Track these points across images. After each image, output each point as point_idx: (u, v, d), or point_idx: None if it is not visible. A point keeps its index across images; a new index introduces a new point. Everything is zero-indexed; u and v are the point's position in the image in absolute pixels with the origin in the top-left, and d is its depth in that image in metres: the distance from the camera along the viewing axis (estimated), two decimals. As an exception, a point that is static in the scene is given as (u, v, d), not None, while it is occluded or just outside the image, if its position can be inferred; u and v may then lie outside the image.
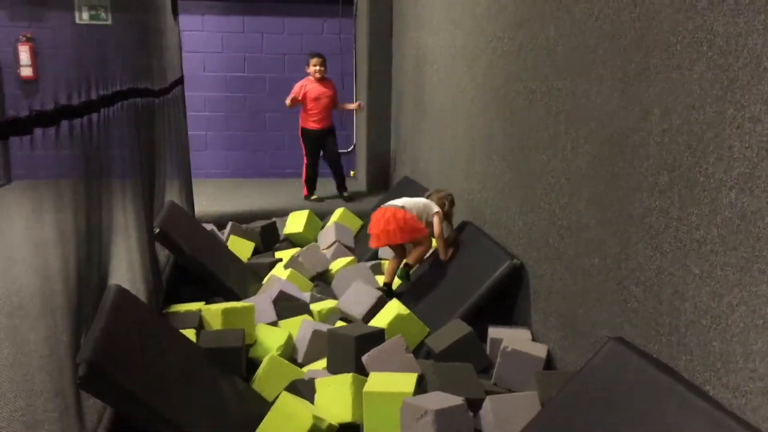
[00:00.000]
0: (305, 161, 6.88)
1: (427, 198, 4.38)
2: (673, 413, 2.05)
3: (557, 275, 3.19)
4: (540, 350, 3.16)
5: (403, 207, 4.17)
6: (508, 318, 3.73)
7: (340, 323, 3.82)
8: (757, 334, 1.88)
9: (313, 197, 6.84)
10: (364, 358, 3.11)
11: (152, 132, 4.14)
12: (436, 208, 4.23)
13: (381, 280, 4.51)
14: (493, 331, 3.47)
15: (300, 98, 6.65)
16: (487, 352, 3.41)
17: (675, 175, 2.26)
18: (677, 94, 2.25)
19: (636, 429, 2.13)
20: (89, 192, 2.61)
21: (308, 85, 6.71)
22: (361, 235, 5.75)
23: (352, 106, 7.12)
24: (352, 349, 3.15)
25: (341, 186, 6.98)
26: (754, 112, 1.90)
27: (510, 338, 3.26)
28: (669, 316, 2.30)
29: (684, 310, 2.21)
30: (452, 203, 4.39)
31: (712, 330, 2.07)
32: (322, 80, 6.74)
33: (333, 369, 3.22)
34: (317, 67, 6.66)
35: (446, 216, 4.34)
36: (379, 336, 3.26)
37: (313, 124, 6.74)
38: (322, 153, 6.88)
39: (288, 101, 6.59)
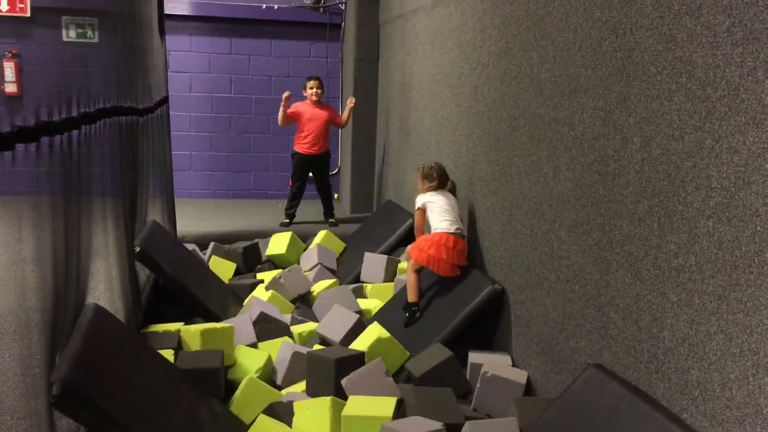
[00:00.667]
0: (290, 184, 6.78)
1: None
2: (651, 441, 2.05)
3: (538, 301, 3.20)
4: (520, 376, 3.16)
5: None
6: (489, 343, 3.73)
7: (318, 347, 3.79)
8: (733, 362, 1.89)
9: (286, 221, 6.62)
10: (344, 382, 3.09)
11: (135, 150, 4.13)
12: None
13: (363, 303, 4.50)
14: (474, 356, 3.47)
15: (292, 117, 6.50)
16: (467, 377, 3.40)
17: (654, 202, 2.29)
18: (657, 124, 2.28)
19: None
20: (68, 209, 2.59)
21: (303, 109, 6.57)
22: (344, 257, 5.75)
23: (349, 105, 6.73)
24: (331, 372, 3.13)
25: (329, 212, 6.80)
26: (731, 143, 1.93)
27: (490, 363, 3.25)
28: (648, 344, 2.31)
29: (662, 338, 2.22)
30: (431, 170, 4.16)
31: (690, 358, 2.08)
32: (318, 104, 6.60)
33: (312, 392, 3.19)
34: (314, 90, 6.53)
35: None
36: (358, 359, 3.25)
37: (305, 148, 6.56)
38: (313, 178, 6.72)
39: (279, 117, 6.47)
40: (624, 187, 2.47)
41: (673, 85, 2.20)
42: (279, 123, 6.57)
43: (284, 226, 6.46)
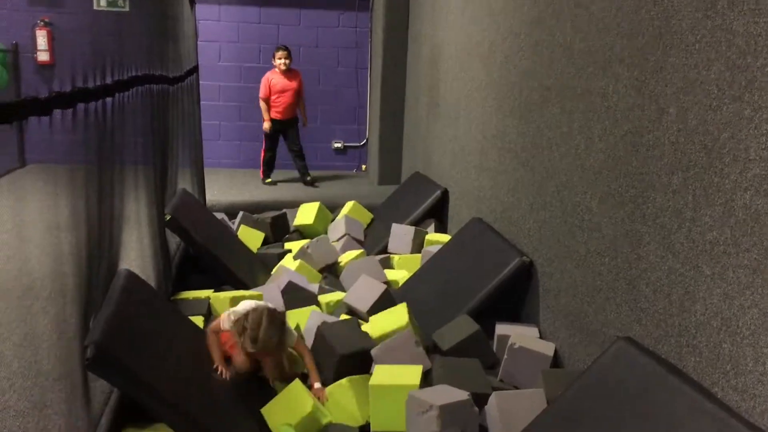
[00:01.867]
0: (264, 147, 7.33)
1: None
2: (681, 414, 2.04)
3: (567, 273, 3.18)
4: (547, 348, 3.15)
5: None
6: (516, 315, 3.73)
7: (344, 316, 3.81)
8: (767, 337, 1.86)
9: (268, 180, 7.30)
10: (373, 352, 3.11)
11: (166, 119, 4.15)
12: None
13: (391, 274, 4.51)
14: (501, 328, 3.47)
15: (267, 93, 7.09)
16: (494, 348, 3.40)
17: (689, 175, 2.25)
18: (694, 94, 2.23)
19: (642, 429, 2.12)
20: (102, 177, 2.62)
21: (273, 78, 7.10)
22: (371, 228, 5.75)
23: (305, 120, 7.47)
24: (333, 365, 3.08)
25: (304, 173, 7.38)
26: (771, 114, 1.88)
27: (517, 335, 3.25)
28: (679, 317, 2.28)
29: (694, 311, 2.20)
30: (245, 332, 2.88)
31: (722, 332, 2.06)
32: (287, 72, 7.10)
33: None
34: (283, 60, 7.02)
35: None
36: (365, 356, 3.13)
37: (276, 114, 7.15)
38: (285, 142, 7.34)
39: (261, 104, 7.15)
40: (658, 159, 2.43)
41: (712, 54, 2.14)
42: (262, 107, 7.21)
43: (272, 185, 7.24)
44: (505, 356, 3.14)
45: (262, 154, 7.36)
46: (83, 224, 2.35)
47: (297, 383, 2.84)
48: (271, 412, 2.75)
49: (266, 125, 7.13)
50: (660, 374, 2.21)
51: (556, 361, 3.17)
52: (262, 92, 7.12)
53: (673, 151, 2.34)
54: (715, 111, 2.12)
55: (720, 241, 2.08)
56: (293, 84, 7.13)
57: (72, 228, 2.27)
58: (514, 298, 3.72)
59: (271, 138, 7.27)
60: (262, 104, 7.13)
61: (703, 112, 2.18)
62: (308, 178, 7.36)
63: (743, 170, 1.99)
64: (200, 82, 6.35)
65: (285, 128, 7.26)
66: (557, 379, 2.80)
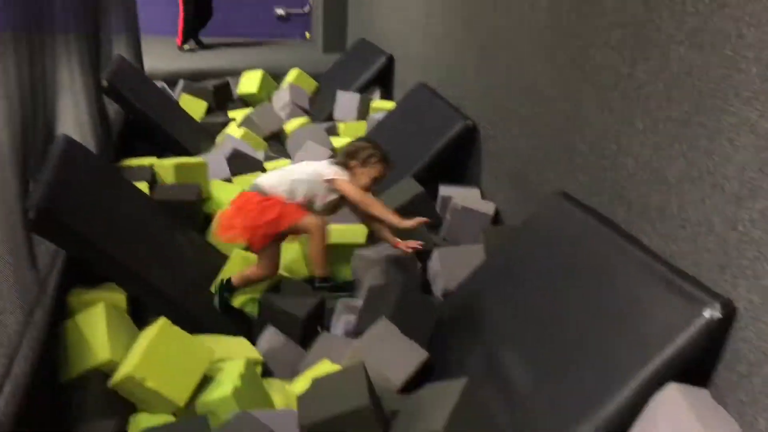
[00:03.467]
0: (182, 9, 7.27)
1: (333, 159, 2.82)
2: (611, 262, 2.16)
3: (509, 135, 3.24)
4: (488, 207, 3.26)
5: (258, 188, 2.68)
6: (460, 178, 3.81)
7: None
8: (692, 185, 1.96)
9: (186, 47, 7.40)
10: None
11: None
12: (327, 171, 2.67)
13: (336, 141, 4.51)
14: (444, 190, 3.55)
15: None
16: (438, 210, 3.50)
17: (628, 31, 2.27)
18: (637, -53, 2.21)
19: (574, 276, 2.25)
20: (31, 42, 2.52)
21: None
22: (316, 96, 5.69)
23: None
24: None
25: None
26: (710, -35, 1.89)
27: (460, 196, 3.34)
28: (612, 171, 2.38)
29: (626, 165, 2.29)
30: (370, 157, 2.74)
31: (651, 182, 2.16)
32: None
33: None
34: None
35: (359, 176, 2.72)
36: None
37: None
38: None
39: None
40: (599, 16, 2.44)
41: None
42: None
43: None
44: (448, 216, 3.24)
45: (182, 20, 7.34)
46: (15, 92, 2.27)
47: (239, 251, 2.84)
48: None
49: None
50: (592, 225, 2.33)
51: (497, 220, 3.29)
52: None
53: (613, 8, 2.35)
54: (656, -36, 2.12)
55: (653, 95, 2.14)
56: None
57: (4, 96, 2.19)
58: (458, 161, 3.79)
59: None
60: None
61: (644, -34, 2.18)
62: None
63: (679, 23, 2.02)
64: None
65: None
66: (497, 235, 2.92)
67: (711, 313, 1.78)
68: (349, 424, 1.82)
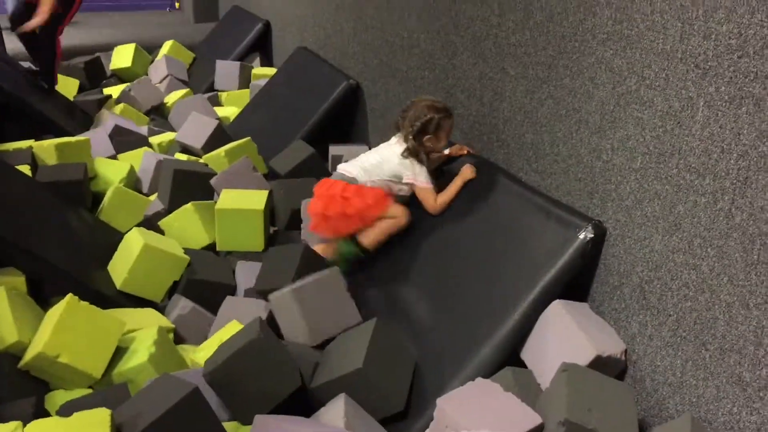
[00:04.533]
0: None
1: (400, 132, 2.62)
2: (495, 198, 2.35)
3: (391, 92, 3.37)
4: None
5: (354, 178, 2.62)
6: (348, 137, 3.92)
7: (180, 155, 3.81)
8: (560, 122, 2.17)
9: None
10: (212, 181, 3.19)
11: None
12: (407, 174, 2.57)
13: (221, 111, 4.49)
14: (334, 149, 3.65)
15: None
16: (329, 169, 3.60)
17: (494, -16, 2.43)
18: None
19: (462, 214, 2.43)
20: None
21: None
22: (194, 68, 5.60)
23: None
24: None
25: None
26: None
27: (349, 154, 3.45)
28: (490, 117, 2.56)
29: (502, 110, 2.47)
30: (438, 122, 2.52)
31: (525, 124, 2.35)
32: None
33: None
34: None
35: (440, 141, 2.57)
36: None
37: None
38: None
39: None
40: (467, -29, 2.59)
41: None
42: None
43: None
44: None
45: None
46: None
47: (137, 230, 2.78)
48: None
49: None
50: (476, 166, 2.51)
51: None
52: None
53: (479, -38, 2.50)
54: None
55: (521, 43, 2.32)
56: None
57: None
58: (344, 120, 3.89)
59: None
60: None
61: None
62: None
63: (539, -25, 2.19)
64: None
65: None
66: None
67: (585, 234, 1.99)
68: (247, 360, 1.90)
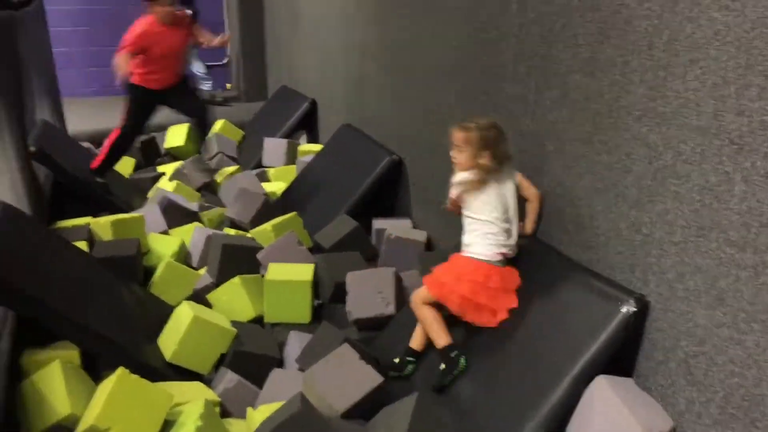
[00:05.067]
0: (119, 128, 4.53)
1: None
2: (536, 272, 2.36)
3: (433, 167, 3.44)
4: (420, 235, 3.44)
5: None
6: (391, 211, 3.99)
7: (228, 230, 3.93)
8: (599, 196, 2.19)
9: (101, 180, 4.45)
10: (259, 256, 3.28)
11: (15, 47, 3.97)
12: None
13: (268, 186, 4.62)
14: (378, 223, 3.72)
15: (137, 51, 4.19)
16: (373, 242, 3.66)
17: (531, 63, 2.51)
18: (531, -11, 2.46)
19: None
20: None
21: (153, 33, 4.19)
22: (243, 145, 5.81)
23: (217, 41, 4.64)
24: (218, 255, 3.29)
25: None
26: (594, 1, 2.15)
27: (393, 227, 3.51)
28: (529, 191, 2.60)
29: (542, 184, 2.51)
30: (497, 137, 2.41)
31: (563, 198, 2.38)
32: (174, 24, 4.28)
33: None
34: (167, 8, 4.19)
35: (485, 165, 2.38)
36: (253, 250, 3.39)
37: (154, 83, 4.38)
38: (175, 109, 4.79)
39: (122, 57, 4.07)
40: (504, 52, 2.68)
41: (544, -49, 2.37)
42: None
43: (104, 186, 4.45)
44: (383, 247, 3.40)
45: (115, 135, 4.51)
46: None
47: (186, 303, 2.87)
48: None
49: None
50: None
51: (430, 246, 3.47)
52: (131, 46, 4.13)
53: (516, 43, 2.59)
54: (549, 3, 2.37)
55: (559, 120, 2.38)
56: (182, 40, 4.40)
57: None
58: (388, 195, 3.97)
59: (140, 115, 4.56)
60: (124, 57, 4.08)
61: (538, 5, 2.43)
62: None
63: (574, 54, 2.26)
64: (45, 6, 5.97)
65: (172, 94, 4.52)
66: (430, 260, 3.09)
67: (627, 308, 1.99)
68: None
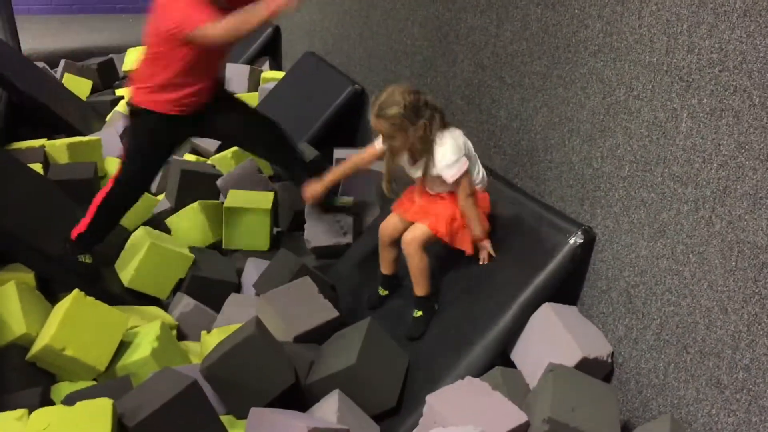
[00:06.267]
0: (115, 178, 2.67)
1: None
2: (492, 201, 2.41)
3: (395, 97, 3.43)
4: (380, 166, 3.44)
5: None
6: (352, 140, 3.98)
7: (188, 156, 3.89)
8: (554, 130, 2.23)
9: (86, 259, 2.61)
10: (219, 182, 3.27)
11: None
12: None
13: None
14: (339, 152, 3.71)
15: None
16: (334, 172, 3.66)
17: (493, -6, 2.50)
18: None
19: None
20: None
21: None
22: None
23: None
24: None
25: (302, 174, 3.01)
26: (557, -67, 2.13)
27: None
28: (487, 123, 2.62)
29: (499, 117, 2.53)
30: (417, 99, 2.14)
31: (520, 131, 2.41)
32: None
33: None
34: None
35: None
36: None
37: (189, 106, 2.66)
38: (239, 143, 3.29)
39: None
40: (468, -19, 2.66)
41: None
42: None
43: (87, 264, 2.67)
44: (343, 177, 3.41)
45: (107, 188, 2.65)
46: None
47: (144, 229, 2.80)
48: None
49: None
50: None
51: (389, 177, 3.48)
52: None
53: (480, -27, 2.57)
54: (513, -68, 2.34)
55: (518, 53, 2.38)
56: None
57: None
58: (349, 124, 3.96)
59: (158, 146, 2.76)
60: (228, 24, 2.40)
61: (503, -66, 2.40)
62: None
63: (536, -13, 2.25)
64: None
65: (208, 117, 2.74)
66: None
67: (574, 239, 2.05)
68: (243, 356, 1.97)
